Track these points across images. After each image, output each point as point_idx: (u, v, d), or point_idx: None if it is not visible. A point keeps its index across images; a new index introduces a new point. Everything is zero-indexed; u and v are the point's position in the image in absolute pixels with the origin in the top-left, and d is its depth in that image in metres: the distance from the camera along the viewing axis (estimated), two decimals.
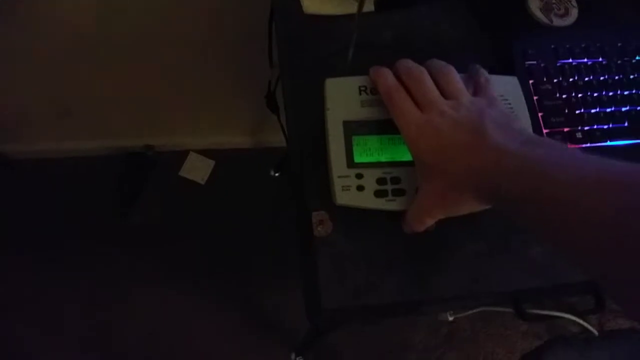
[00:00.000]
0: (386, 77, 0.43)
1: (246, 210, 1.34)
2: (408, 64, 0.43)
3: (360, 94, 0.43)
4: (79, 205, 1.29)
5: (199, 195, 1.35)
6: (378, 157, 0.42)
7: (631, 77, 0.56)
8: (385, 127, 0.43)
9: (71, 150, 1.30)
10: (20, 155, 1.30)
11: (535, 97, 0.53)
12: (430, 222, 0.41)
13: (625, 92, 0.55)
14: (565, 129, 0.53)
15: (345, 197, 0.40)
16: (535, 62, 0.55)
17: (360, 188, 0.41)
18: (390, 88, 0.42)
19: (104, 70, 1.05)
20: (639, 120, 0.55)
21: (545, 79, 0.54)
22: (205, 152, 1.38)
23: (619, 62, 0.56)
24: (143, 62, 1.04)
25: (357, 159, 0.41)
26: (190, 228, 1.31)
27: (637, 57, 0.57)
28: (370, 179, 0.41)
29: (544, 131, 0.53)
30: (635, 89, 0.56)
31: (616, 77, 0.56)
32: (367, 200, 0.41)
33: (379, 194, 0.41)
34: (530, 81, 0.54)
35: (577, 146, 0.54)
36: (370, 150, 0.42)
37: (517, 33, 0.56)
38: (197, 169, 1.37)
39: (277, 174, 1.38)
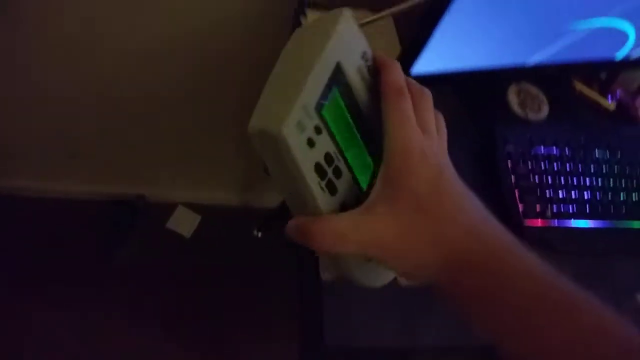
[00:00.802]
0: (399, 73, 0.35)
1: (227, 266, 1.37)
2: (418, 84, 0.36)
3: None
4: (65, 244, 1.30)
5: (182, 248, 1.37)
6: (341, 132, 0.35)
7: (591, 169, 0.66)
8: (361, 118, 0.36)
9: (63, 191, 1.33)
10: (7, 191, 1.32)
11: (512, 177, 0.62)
12: (348, 248, 0.32)
13: (587, 181, 0.65)
14: (537, 207, 0.62)
15: (292, 133, 0.30)
16: (513, 147, 0.64)
17: (311, 142, 0.32)
18: (401, 89, 0.34)
19: (105, 120, 1.11)
20: (597, 207, 0.64)
21: (521, 163, 0.63)
22: (194, 206, 1.42)
23: (581, 153, 0.66)
24: (140, 115, 1.12)
25: (326, 110, 0.33)
26: (170, 278, 1.33)
27: (596, 152, 0.67)
28: (322, 145, 0.33)
29: (520, 208, 0.61)
30: (595, 179, 0.65)
31: (579, 167, 0.65)
32: (305, 162, 0.32)
33: (319, 169, 0.33)
34: (509, 163, 0.63)
35: (546, 223, 0.62)
36: (339, 119, 0.34)
37: (498, 122, 0.67)
38: (184, 223, 1.41)
39: (260, 234, 1.42)
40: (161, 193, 1.39)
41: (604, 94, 0.79)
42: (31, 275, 1.28)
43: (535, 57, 0.62)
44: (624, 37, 0.65)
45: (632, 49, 0.67)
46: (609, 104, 0.77)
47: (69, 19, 0.87)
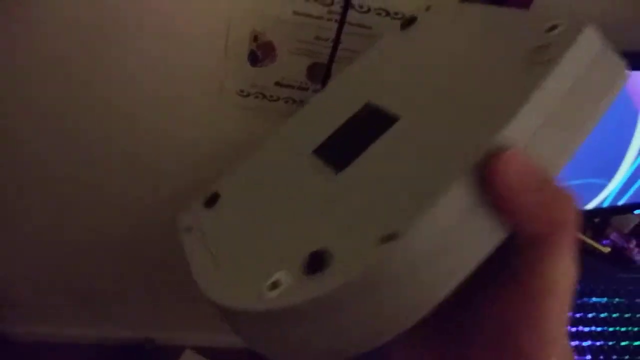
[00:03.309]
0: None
1: None
2: None
3: None
4: None
5: None
6: None
7: (590, 316, 0.66)
8: None
9: (69, 336, 1.32)
10: (16, 338, 1.32)
11: None
12: None
13: (586, 329, 0.65)
14: None
15: None
16: None
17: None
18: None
19: (111, 265, 1.16)
20: (599, 355, 0.63)
21: None
22: (202, 350, 1.39)
23: (577, 301, 0.67)
24: (146, 258, 1.16)
25: None
26: None
27: (592, 298, 0.68)
28: None
29: None
30: (595, 326, 0.65)
31: (577, 316, 0.66)
32: None
33: None
34: None
35: None
36: None
37: None
38: None
39: None
40: (170, 336, 1.37)
41: (597, 238, 0.81)
42: None
43: None
44: (602, 188, 0.69)
45: (614, 198, 0.72)
46: (604, 247, 0.79)
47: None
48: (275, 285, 0.19)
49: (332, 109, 0.29)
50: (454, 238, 0.18)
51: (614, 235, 0.83)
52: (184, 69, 0.77)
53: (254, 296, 0.20)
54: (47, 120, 0.80)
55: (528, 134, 0.19)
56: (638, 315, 0.66)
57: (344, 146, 0.24)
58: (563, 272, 0.23)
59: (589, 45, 0.20)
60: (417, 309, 0.18)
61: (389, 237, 0.17)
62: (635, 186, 0.72)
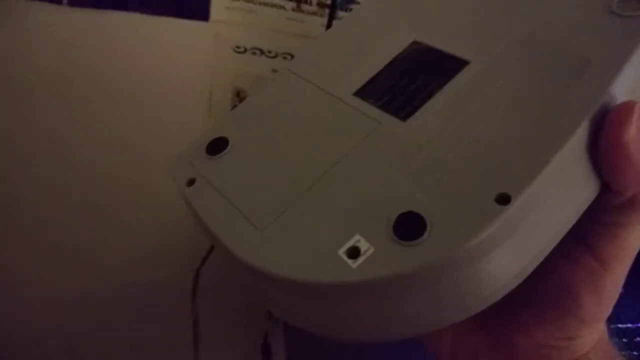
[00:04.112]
0: None
1: None
2: None
3: None
4: None
5: None
6: None
7: None
8: None
9: None
10: None
11: None
12: None
13: None
14: None
15: None
16: None
17: None
18: None
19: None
20: None
21: None
22: None
23: None
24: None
25: None
26: None
27: None
28: None
29: None
30: None
31: None
32: None
33: None
34: None
35: None
36: None
37: None
38: None
39: None
40: None
41: None
42: None
43: None
44: None
45: None
46: None
47: None
48: (354, 252, 0.17)
49: (360, 45, 0.25)
50: (556, 200, 0.17)
51: None
52: (170, 127, 0.80)
53: (334, 266, 0.17)
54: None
55: (634, 87, 0.18)
56: None
57: (402, 90, 0.21)
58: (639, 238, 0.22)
59: None
60: (517, 276, 0.17)
61: (502, 199, 0.16)
62: None
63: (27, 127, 0.76)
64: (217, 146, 0.24)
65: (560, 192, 0.17)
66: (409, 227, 0.16)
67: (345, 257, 0.17)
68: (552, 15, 0.20)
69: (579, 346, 0.23)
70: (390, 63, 0.23)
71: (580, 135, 0.17)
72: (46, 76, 0.72)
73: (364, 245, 0.16)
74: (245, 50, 0.74)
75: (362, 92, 0.22)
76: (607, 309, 0.23)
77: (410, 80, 0.21)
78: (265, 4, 0.72)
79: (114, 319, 1.13)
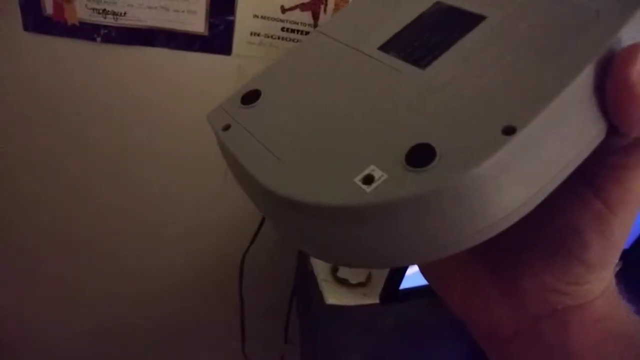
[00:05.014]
0: None
1: None
2: None
3: None
4: None
5: None
6: None
7: None
8: None
9: None
10: None
11: None
12: None
13: None
14: None
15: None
16: None
17: None
18: None
19: None
20: None
21: None
22: None
23: None
24: None
25: None
26: None
27: None
28: None
29: None
30: None
31: None
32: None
33: None
34: None
35: None
36: None
37: None
38: None
39: None
40: None
41: None
42: None
43: None
44: None
45: None
46: None
47: None
48: (369, 179, 0.18)
49: (386, 7, 0.27)
50: (561, 138, 0.18)
51: None
52: (190, 160, 0.84)
53: (349, 191, 0.18)
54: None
55: (639, 37, 0.19)
56: None
57: (423, 43, 0.23)
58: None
59: None
60: (518, 210, 0.18)
61: (508, 130, 0.17)
62: None
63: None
64: (250, 97, 0.25)
65: (567, 130, 0.18)
66: (420, 156, 0.17)
67: (360, 184, 0.18)
68: None
69: (586, 292, 0.23)
70: (413, 21, 0.24)
71: (587, 76, 0.18)
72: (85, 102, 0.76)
73: (377, 173, 0.18)
74: None
75: (386, 47, 0.24)
76: (614, 254, 0.22)
77: (431, 35, 0.23)
78: (285, 39, 0.77)
79: (167, 307, 1.09)
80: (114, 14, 0.69)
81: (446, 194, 0.17)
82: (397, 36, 0.24)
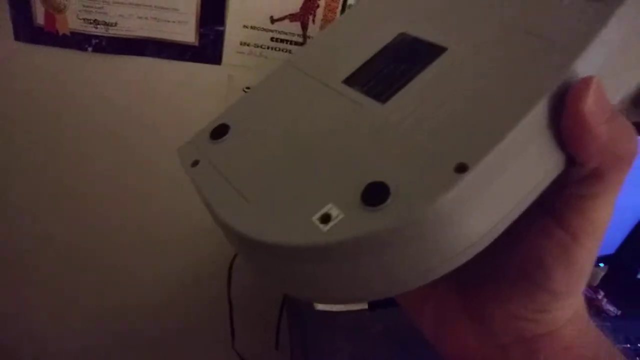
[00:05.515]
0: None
1: None
2: None
3: None
4: None
5: None
6: None
7: None
8: None
9: None
10: None
11: None
12: None
13: None
14: None
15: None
16: None
17: None
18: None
19: None
20: None
21: None
22: None
23: None
24: None
25: None
26: None
27: None
28: None
29: None
30: None
31: None
32: None
33: None
34: None
35: None
36: None
37: None
38: None
39: None
40: None
41: None
42: None
43: None
44: None
45: None
46: None
47: None
48: (326, 218, 0.18)
49: (353, 39, 0.27)
50: (517, 171, 0.18)
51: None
52: (180, 168, 0.84)
53: (306, 230, 0.18)
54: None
55: (596, 67, 0.19)
56: None
57: (385, 76, 0.23)
58: (609, 213, 0.22)
59: None
60: (477, 244, 0.18)
61: (460, 168, 0.17)
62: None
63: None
64: (219, 132, 0.26)
65: (523, 163, 0.18)
66: (375, 194, 0.17)
67: (318, 223, 0.18)
68: (528, 4, 0.22)
69: (553, 320, 0.23)
70: (377, 53, 0.24)
71: (540, 110, 0.18)
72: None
73: (335, 212, 0.18)
74: None
75: (351, 80, 0.24)
76: (580, 282, 0.22)
77: (394, 67, 0.23)
78: (274, 49, 0.78)
79: (158, 312, 1.10)
80: (105, 24, 0.70)
81: (399, 232, 0.17)
82: (361, 69, 0.24)
